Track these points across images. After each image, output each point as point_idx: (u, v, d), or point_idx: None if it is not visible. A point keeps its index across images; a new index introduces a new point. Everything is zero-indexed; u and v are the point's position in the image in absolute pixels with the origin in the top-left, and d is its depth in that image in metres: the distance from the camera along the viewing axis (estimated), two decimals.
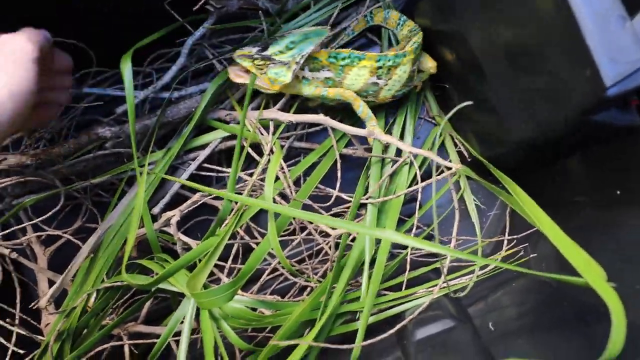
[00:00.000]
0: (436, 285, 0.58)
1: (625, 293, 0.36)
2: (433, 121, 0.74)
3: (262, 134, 0.64)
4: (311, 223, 0.64)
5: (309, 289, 0.66)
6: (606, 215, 0.51)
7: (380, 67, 0.61)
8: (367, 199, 0.63)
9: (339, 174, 0.62)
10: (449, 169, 0.55)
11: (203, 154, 0.67)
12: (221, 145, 0.69)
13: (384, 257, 0.58)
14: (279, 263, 0.67)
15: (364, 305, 0.54)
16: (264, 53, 0.59)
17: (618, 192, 0.49)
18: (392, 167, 0.65)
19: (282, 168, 0.61)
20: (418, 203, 0.63)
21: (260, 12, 0.69)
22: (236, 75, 0.63)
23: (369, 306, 0.54)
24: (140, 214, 0.57)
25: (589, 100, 0.40)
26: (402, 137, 0.72)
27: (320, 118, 0.61)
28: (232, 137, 0.68)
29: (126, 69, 0.58)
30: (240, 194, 0.65)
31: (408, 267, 0.61)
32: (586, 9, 0.37)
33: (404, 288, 0.60)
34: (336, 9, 0.69)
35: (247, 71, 0.62)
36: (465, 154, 0.71)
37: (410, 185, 0.67)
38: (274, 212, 0.52)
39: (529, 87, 0.48)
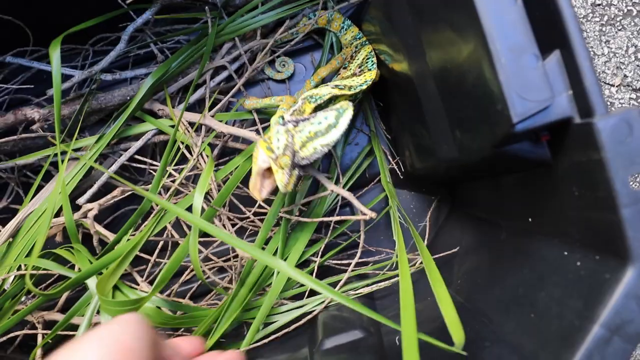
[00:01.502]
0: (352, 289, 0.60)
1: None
2: (368, 133, 0.74)
3: (192, 135, 0.63)
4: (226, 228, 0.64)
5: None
6: (519, 240, 0.52)
7: (353, 100, 0.61)
8: (285, 212, 0.63)
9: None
10: (364, 213, 0.54)
11: (135, 146, 0.66)
12: (155, 138, 0.68)
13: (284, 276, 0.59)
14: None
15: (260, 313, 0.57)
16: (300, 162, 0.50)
17: (530, 220, 0.50)
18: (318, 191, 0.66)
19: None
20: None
21: (212, 5, 0.68)
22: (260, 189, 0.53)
23: (262, 314, 0.57)
24: (58, 204, 0.56)
25: (499, 133, 0.41)
26: (334, 150, 0.72)
27: (252, 135, 0.60)
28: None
29: (54, 53, 0.57)
30: (169, 188, 0.65)
31: (314, 274, 0.62)
32: (501, 44, 0.38)
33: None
34: (285, 11, 0.69)
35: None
36: (400, 167, 0.72)
37: (334, 201, 0.68)
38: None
39: (451, 111, 0.49)
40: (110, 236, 0.58)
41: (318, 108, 0.56)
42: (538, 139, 0.43)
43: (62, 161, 0.59)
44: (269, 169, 0.51)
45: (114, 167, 0.65)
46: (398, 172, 0.72)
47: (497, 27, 0.38)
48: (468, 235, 0.66)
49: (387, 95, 0.69)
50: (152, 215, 0.59)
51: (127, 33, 0.67)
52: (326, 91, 0.57)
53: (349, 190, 0.68)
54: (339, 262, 0.68)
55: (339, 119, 0.47)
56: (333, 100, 0.58)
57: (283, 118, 0.51)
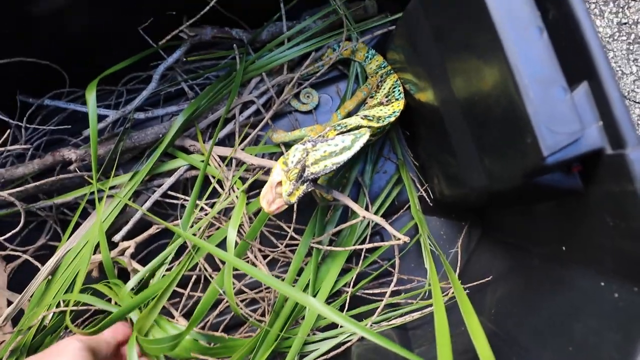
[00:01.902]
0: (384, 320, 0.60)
1: None
2: (396, 161, 0.74)
3: (223, 169, 0.65)
4: (260, 262, 0.64)
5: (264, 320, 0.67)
6: (552, 267, 0.52)
7: (380, 132, 0.62)
8: (316, 242, 0.64)
9: (294, 216, 0.62)
10: (398, 238, 0.55)
11: (168, 182, 0.67)
12: (187, 174, 0.69)
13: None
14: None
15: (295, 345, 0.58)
16: (312, 179, 0.51)
17: (563, 248, 0.49)
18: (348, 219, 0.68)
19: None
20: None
21: (237, 42, 0.69)
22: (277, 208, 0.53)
23: (297, 345, 0.58)
24: (96, 242, 0.57)
25: (530, 165, 0.40)
26: (363, 178, 0.72)
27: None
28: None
29: (91, 96, 0.59)
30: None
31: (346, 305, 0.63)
32: (529, 77, 0.38)
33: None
34: (311, 46, 0.70)
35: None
36: (429, 194, 0.72)
37: (364, 231, 0.69)
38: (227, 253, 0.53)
39: (479, 139, 0.49)
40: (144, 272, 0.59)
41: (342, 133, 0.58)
42: (569, 169, 0.42)
43: (100, 200, 0.60)
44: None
45: (148, 203, 0.67)
46: (427, 199, 0.71)
47: (523, 60, 0.38)
48: (499, 261, 0.65)
49: (413, 124, 0.69)
50: (185, 252, 0.60)
51: (159, 72, 0.69)
52: (354, 121, 0.57)
53: None
54: (370, 291, 0.68)
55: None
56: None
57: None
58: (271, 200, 0.51)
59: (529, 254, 0.58)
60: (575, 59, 0.39)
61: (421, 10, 0.54)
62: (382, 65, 0.71)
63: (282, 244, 0.66)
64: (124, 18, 0.66)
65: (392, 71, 0.70)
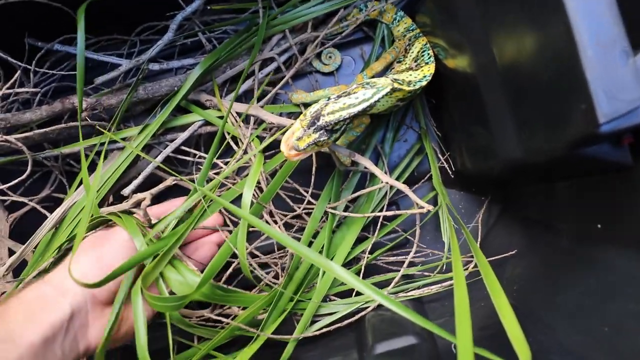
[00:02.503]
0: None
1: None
2: (418, 130, 0.72)
3: (240, 126, 0.62)
4: (276, 223, 0.62)
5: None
6: (583, 247, 0.50)
7: (410, 95, 0.59)
8: (332, 208, 0.61)
9: (312, 180, 0.60)
10: (420, 207, 0.52)
11: (181, 137, 0.65)
12: (201, 129, 0.66)
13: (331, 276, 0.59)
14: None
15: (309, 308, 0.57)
16: (326, 129, 0.50)
17: (599, 226, 0.47)
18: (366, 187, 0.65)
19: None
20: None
21: None
22: (296, 155, 0.52)
23: (311, 308, 0.57)
24: (101, 194, 0.55)
25: (580, 134, 0.38)
26: (382, 146, 0.70)
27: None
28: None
29: (80, 26, 0.56)
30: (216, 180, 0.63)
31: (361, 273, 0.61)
32: (589, 37, 0.35)
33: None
34: (337, 4, 0.66)
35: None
36: (451, 166, 0.69)
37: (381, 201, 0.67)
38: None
39: (519, 109, 0.46)
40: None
41: None
42: (619, 141, 0.40)
43: (110, 151, 0.57)
44: None
45: (160, 157, 0.64)
46: (448, 170, 0.69)
47: (585, 19, 0.35)
48: (521, 238, 0.63)
49: (440, 92, 0.66)
50: (197, 207, 0.58)
51: (176, 22, 0.65)
52: (383, 82, 0.54)
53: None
54: (387, 259, 0.66)
55: (375, 95, 0.51)
56: (390, 94, 0.56)
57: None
58: (290, 146, 0.50)
59: (555, 232, 0.55)
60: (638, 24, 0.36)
61: None
62: (411, 28, 0.68)
63: (298, 208, 0.64)
64: None
65: (420, 34, 0.66)
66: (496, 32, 0.47)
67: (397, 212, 0.56)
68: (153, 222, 0.56)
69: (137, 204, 0.60)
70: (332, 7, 0.67)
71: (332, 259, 0.61)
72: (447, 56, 0.60)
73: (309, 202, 0.65)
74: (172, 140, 0.66)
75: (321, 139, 0.49)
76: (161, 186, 0.60)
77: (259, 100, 0.65)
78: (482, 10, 0.49)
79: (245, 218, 0.49)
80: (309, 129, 0.49)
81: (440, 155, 0.70)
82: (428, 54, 0.63)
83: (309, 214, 0.64)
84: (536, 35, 0.40)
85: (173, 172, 0.55)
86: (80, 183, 0.63)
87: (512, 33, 0.44)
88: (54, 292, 0.47)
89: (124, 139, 0.64)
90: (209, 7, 0.66)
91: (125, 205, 0.59)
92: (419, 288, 0.59)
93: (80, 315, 0.47)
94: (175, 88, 0.64)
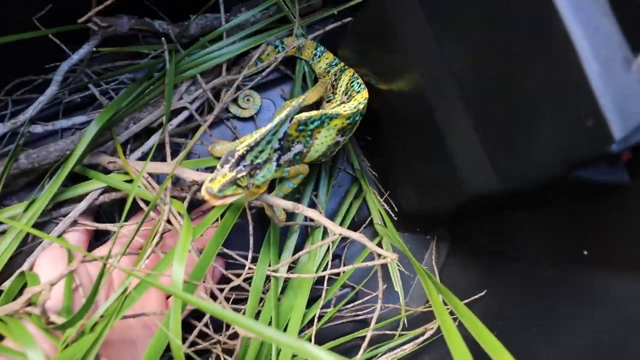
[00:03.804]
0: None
1: None
2: (352, 172, 0.66)
3: (154, 188, 0.52)
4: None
5: None
6: (573, 277, 0.45)
7: (350, 124, 0.53)
8: (273, 271, 0.53)
9: (250, 242, 0.51)
10: (381, 256, 0.46)
11: (77, 209, 0.53)
12: (104, 197, 0.55)
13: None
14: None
15: None
16: (243, 165, 0.43)
17: (585, 253, 0.43)
18: (310, 244, 0.59)
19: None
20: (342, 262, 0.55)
21: (162, 36, 0.57)
22: (218, 199, 0.43)
23: None
24: None
25: (586, 154, 0.33)
26: (316, 196, 0.63)
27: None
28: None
29: None
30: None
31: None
32: (591, 50, 0.31)
33: None
34: (250, 43, 0.60)
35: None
36: (392, 206, 0.64)
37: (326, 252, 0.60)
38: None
39: (496, 136, 0.41)
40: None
41: (304, 130, 0.50)
42: (617, 159, 0.36)
43: None
44: None
45: (54, 232, 0.52)
46: (390, 212, 0.63)
47: (582, 28, 0.31)
48: (482, 277, 0.58)
49: (374, 127, 0.61)
50: (114, 296, 0.46)
51: (61, 72, 0.54)
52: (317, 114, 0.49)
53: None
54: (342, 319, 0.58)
55: (290, 112, 0.44)
56: (326, 121, 0.51)
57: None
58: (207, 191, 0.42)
59: (532, 265, 0.51)
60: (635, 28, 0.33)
61: None
62: (333, 63, 0.62)
63: (236, 277, 0.54)
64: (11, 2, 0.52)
65: (345, 67, 0.61)
66: (460, 48, 0.43)
67: (366, 263, 0.48)
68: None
69: (29, 302, 0.47)
70: (246, 47, 0.60)
71: (285, 330, 0.52)
72: (382, 84, 0.56)
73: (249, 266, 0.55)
74: (66, 215, 0.54)
75: (239, 176, 0.42)
76: (65, 271, 0.48)
77: (172, 155, 0.56)
78: (438, 26, 0.45)
79: (180, 297, 0.39)
80: (222, 167, 0.42)
81: (379, 197, 0.64)
82: (358, 83, 0.58)
83: (249, 280, 0.54)
84: (519, 49, 0.36)
85: (81, 249, 0.43)
86: None
87: (482, 48, 0.40)
88: None
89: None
90: (96, 49, 0.55)
91: (14, 305, 0.46)
92: (390, 351, 0.52)
93: None
94: (67, 152, 0.52)
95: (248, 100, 0.64)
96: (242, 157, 0.42)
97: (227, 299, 0.56)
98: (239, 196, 0.43)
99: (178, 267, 0.43)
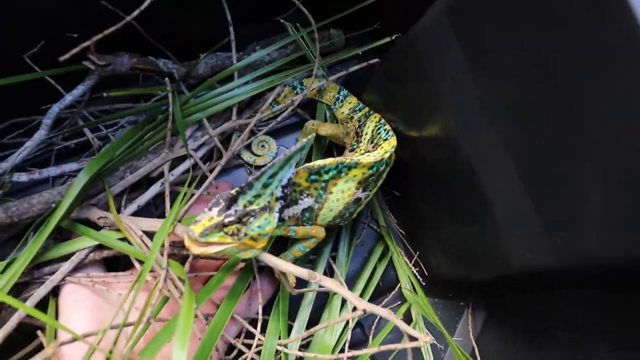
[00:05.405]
0: None
1: None
2: (377, 228, 0.58)
3: (148, 247, 0.45)
4: None
5: None
6: None
7: (372, 175, 0.46)
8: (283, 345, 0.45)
9: (259, 310, 0.44)
10: (414, 338, 0.38)
11: (62, 270, 0.46)
12: (93, 255, 0.48)
13: None
14: None
15: None
16: (234, 209, 0.36)
17: None
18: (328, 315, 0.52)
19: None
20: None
21: (166, 76, 0.51)
22: (201, 246, 0.37)
23: None
24: None
25: None
26: (334, 259, 0.55)
27: None
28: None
29: None
30: None
31: None
32: None
33: None
34: (264, 85, 0.54)
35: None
36: (422, 270, 0.56)
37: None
38: None
39: (565, 203, 0.33)
40: None
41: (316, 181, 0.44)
42: None
43: None
44: None
45: (33, 300, 0.45)
46: (418, 277, 0.55)
47: None
48: (526, 356, 0.50)
49: (404, 181, 0.54)
50: None
51: (52, 115, 0.49)
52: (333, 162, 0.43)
53: None
54: None
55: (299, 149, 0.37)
56: (344, 171, 0.44)
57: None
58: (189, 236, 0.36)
59: (583, 349, 0.43)
60: None
61: (446, 24, 0.40)
62: (357, 108, 0.56)
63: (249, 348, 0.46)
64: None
65: (371, 112, 0.55)
66: (506, 92, 0.36)
67: (390, 346, 0.40)
68: None
69: None
70: (260, 88, 0.54)
71: None
72: (412, 132, 0.49)
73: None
74: (52, 274, 0.47)
75: (226, 221, 0.35)
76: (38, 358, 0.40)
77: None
78: (479, 64, 0.38)
79: None
80: (210, 210, 0.36)
81: (406, 258, 0.56)
82: (385, 129, 0.51)
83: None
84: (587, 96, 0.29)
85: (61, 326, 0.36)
86: None
87: (536, 92, 0.33)
88: None
89: None
90: (105, 95, 0.50)
91: None
92: None
93: None
94: (53, 205, 0.46)
95: (263, 146, 0.58)
96: (234, 200, 0.36)
97: None
98: (226, 247, 0.36)
99: (180, 352, 0.35)
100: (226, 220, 0.35)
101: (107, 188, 0.48)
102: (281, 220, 0.40)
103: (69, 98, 0.49)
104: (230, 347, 0.47)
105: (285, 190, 0.38)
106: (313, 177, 0.43)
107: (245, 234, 0.36)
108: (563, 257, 0.34)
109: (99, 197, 0.49)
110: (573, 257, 0.33)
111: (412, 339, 0.38)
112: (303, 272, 0.41)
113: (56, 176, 0.52)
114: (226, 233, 0.35)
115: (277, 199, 0.38)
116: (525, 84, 0.34)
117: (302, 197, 0.43)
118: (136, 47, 0.51)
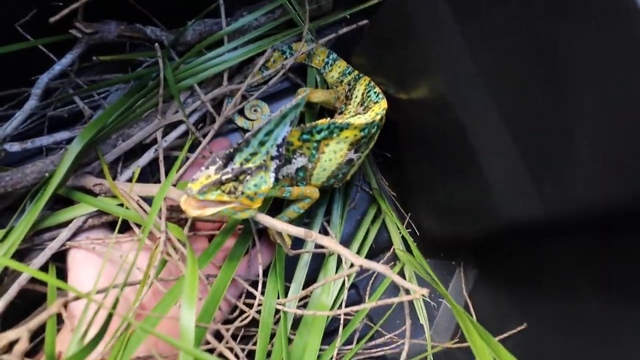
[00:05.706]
0: None
1: None
2: (369, 191, 0.59)
3: (146, 212, 0.45)
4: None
5: None
6: (622, 316, 0.38)
7: (364, 137, 0.46)
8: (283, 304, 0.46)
9: (260, 271, 0.44)
10: (408, 292, 0.39)
11: (60, 238, 0.46)
12: (93, 220, 0.49)
13: None
14: None
15: None
16: (231, 167, 0.37)
17: None
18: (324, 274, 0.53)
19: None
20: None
21: (155, 43, 0.51)
22: (198, 208, 0.37)
23: None
24: None
25: None
26: (328, 222, 0.56)
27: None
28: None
29: None
30: None
31: None
32: None
33: None
34: (254, 49, 0.54)
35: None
36: (414, 230, 0.57)
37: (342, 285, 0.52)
38: None
39: (555, 157, 0.34)
40: None
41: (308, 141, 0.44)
42: None
43: None
44: None
45: (36, 264, 0.45)
46: (410, 237, 0.57)
47: None
48: (516, 309, 0.51)
49: (395, 143, 0.54)
50: (111, 338, 0.40)
51: (41, 84, 0.49)
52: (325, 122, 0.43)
53: None
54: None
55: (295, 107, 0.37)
56: (335, 131, 0.44)
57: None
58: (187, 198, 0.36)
59: (571, 299, 0.44)
60: None
61: None
62: (347, 71, 0.56)
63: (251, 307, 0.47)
64: None
65: (360, 75, 0.55)
66: (496, 49, 0.36)
67: (389, 300, 0.41)
68: None
69: (5, 350, 0.40)
70: (249, 53, 0.54)
71: None
72: (403, 94, 0.49)
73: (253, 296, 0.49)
74: (52, 240, 0.48)
75: (224, 179, 0.35)
76: (41, 317, 0.41)
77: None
78: (469, 22, 0.38)
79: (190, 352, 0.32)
80: (207, 168, 0.36)
81: (397, 220, 0.57)
82: (375, 92, 0.52)
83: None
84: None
85: (65, 285, 0.36)
86: None
87: (526, 48, 0.33)
88: None
89: None
90: (94, 58, 0.50)
91: None
92: None
93: None
94: (47, 173, 0.46)
95: (255, 110, 0.58)
96: (230, 158, 0.36)
97: (234, 337, 0.50)
98: (224, 207, 0.37)
99: (188, 312, 0.35)
100: (223, 178, 0.35)
101: (101, 156, 0.49)
102: (276, 180, 0.41)
103: (57, 67, 0.49)
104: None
105: (280, 150, 0.39)
106: (305, 136, 0.43)
107: (242, 192, 0.37)
108: (552, 207, 0.35)
109: (94, 165, 0.49)
110: (562, 206, 0.34)
111: (408, 293, 0.40)
112: (300, 231, 0.42)
113: (49, 147, 0.52)
114: (223, 191, 0.36)
115: (272, 158, 0.39)
116: (515, 42, 0.35)
117: (295, 156, 0.44)
118: (123, 15, 0.51)
